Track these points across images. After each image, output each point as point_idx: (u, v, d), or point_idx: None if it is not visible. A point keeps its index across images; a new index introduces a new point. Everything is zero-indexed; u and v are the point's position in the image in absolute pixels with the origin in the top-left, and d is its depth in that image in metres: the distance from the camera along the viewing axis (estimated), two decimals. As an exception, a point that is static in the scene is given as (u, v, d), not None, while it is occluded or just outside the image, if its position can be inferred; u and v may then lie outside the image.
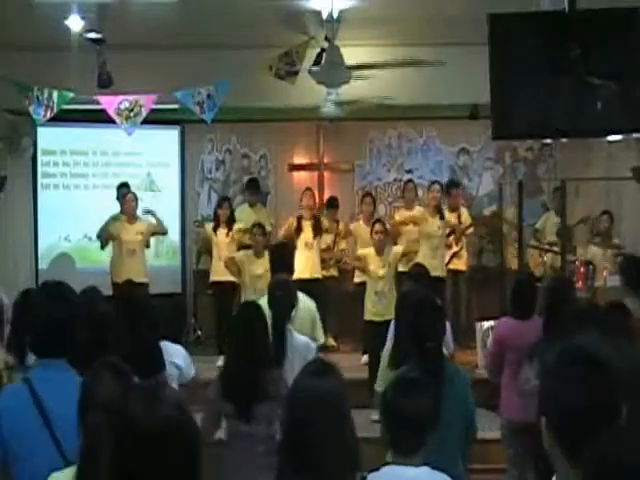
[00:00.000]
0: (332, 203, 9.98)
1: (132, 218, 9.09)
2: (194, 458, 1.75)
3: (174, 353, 4.91)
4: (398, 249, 8.22)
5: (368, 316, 7.95)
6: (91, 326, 4.10)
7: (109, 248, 9.24)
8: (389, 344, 5.00)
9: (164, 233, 9.48)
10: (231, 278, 8.79)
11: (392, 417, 2.96)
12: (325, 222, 9.42)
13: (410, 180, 10.11)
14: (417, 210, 9.40)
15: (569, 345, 1.82)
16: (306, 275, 8.53)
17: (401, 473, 2.85)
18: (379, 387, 4.96)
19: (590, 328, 3.30)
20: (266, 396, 4.04)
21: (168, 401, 1.77)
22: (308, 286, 6.60)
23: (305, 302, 5.34)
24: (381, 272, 7.95)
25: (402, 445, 2.91)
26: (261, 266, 8.08)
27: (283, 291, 4.95)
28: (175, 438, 1.71)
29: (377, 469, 2.87)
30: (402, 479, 2.85)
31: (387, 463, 2.93)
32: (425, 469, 2.88)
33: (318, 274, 9.08)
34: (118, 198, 9.36)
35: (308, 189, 9.56)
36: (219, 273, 9.09)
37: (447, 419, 3.73)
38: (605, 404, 1.70)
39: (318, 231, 9.17)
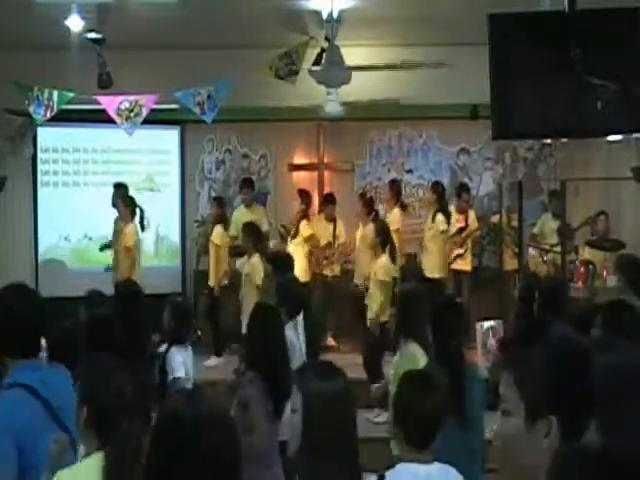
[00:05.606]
0: (329, 199, 9.83)
1: (126, 219, 9.07)
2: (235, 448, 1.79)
3: (175, 368, 4.95)
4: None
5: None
6: (91, 328, 4.14)
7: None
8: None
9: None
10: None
11: (404, 413, 3.09)
12: (306, 228, 9.37)
13: (394, 180, 10.08)
14: (394, 213, 9.38)
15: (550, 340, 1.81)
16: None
17: (415, 470, 2.98)
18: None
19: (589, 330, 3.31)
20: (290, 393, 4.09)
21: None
22: None
23: None
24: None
25: (414, 440, 3.04)
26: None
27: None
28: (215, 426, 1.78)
29: (392, 466, 3.00)
30: (416, 476, 2.98)
31: (399, 459, 3.06)
32: (436, 465, 3.01)
33: (307, 278, 8.99)
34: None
35: (301, 191, 9.49)
36: (216, 277, 9.09)
37: (470, 418, 3.78)
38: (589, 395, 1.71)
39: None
